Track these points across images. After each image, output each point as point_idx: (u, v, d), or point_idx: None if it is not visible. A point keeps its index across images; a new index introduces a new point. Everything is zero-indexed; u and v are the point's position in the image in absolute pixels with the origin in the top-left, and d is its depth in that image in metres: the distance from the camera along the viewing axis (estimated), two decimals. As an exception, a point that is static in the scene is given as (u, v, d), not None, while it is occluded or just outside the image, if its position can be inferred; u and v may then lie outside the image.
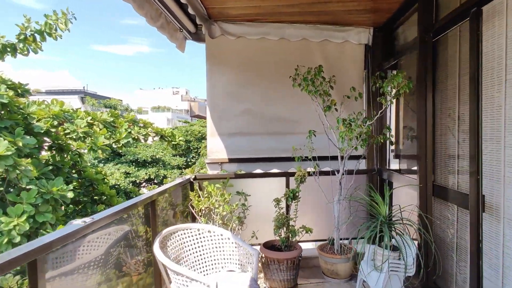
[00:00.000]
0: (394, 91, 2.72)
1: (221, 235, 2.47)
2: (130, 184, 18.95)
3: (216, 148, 3.61)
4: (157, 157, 21.02)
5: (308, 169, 3.37)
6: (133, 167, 20.13)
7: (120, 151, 20.11)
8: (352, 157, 3.56)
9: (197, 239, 2.43)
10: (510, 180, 2.09)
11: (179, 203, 3.07)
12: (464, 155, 2.43)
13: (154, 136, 7.87)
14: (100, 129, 5.90)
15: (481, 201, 2.12)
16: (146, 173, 19.87)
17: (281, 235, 3.12)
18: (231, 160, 3.64)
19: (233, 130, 3.65)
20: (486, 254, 2.23)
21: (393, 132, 3.59)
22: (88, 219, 1.59)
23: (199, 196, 3.13)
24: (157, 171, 20.27)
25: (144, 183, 20.05)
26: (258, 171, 3.75)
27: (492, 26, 2.21)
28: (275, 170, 3.76)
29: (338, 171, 3.20)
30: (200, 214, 3.05)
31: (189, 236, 2.42)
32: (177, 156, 22.30)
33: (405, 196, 3.25)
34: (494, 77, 2.20)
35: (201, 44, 3.72)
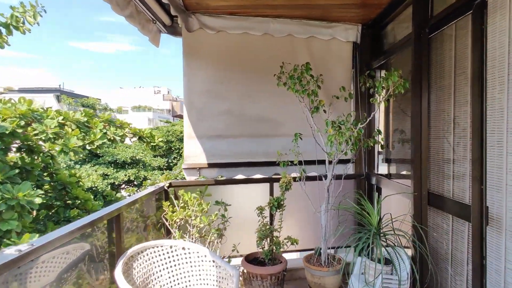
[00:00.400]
0: (385, 91, 2.51)
1: (197, 252, 2.18)
2: (109, 186, 18.34)
3: (194, 152, 3.31)
4: (137, 158, 20.40)
5: (293, 174, 3.13)
6: (112, 168, 19.46)
7: (98, 152, 19.42)
8: (340, 161, 3.34)
9: (169, 257, 2.14)
10: (513, 189, 1.91)
11: (151, 214, 2.75)
12: (462, 161, 2.25)
13: (132, 137, 7.51)
14: (73, 130, 5.57)
15: (485, 213, 1.93)
16: (125, 175, 19.25)
17: (264, 247, 2.86)
18: (211, 165, 3.34)
19: (213, 132, 3.35)
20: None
21: (382, 135, 3.40)
22: (24, 247, 1.27)
23: (173, 206, 2.82)
24: (137, 173, 19.67)
25: (124, 185, 19.40)
26: (240, 176, 3.48)
27: (492, 22, 2.03)
28: (258, 176, 3.50)
29: (325, 177, 2.98)
30: (175, 226, 2.74)
31: (160, 255, 2.11)
32: (158, 157, 21.72)
33: (394, 202, 3.06)
34: (495, 77, 2.02)
35: (179, 39, 3.40)
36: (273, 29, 3.37)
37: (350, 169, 3.74)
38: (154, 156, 21.62)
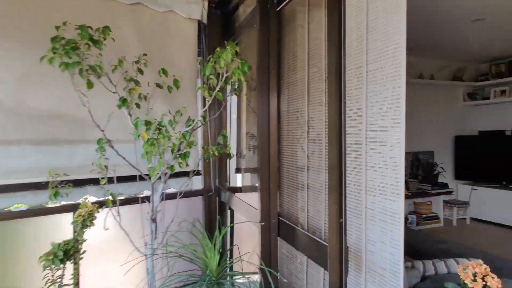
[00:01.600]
0: (223, 79, 1.77)
1: None
2: None
3: None
4: None
5: (121, 197, 2.10)
6: None
7: None
8: (178, 174, 2.49)
9: None
10: (373, 215, 1.42)
11: None
12: (316, 178, 1.71)
13: None
14: None
15: (345, 256, 1.37)
16: None
17: (42, 327, 1.73)
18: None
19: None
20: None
21: (229, 142, 2.72)
22: None
23: None
24: None
25: None
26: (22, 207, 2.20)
27: (349, -3, 1.53)
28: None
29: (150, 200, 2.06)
30: None
31: None
32: None
33: (251, 226, 2.41)
34: (352, 68, 1.52)
35: None
36: (75, -18, 2.24)
37: (198, 182, 2.95)
38: None
